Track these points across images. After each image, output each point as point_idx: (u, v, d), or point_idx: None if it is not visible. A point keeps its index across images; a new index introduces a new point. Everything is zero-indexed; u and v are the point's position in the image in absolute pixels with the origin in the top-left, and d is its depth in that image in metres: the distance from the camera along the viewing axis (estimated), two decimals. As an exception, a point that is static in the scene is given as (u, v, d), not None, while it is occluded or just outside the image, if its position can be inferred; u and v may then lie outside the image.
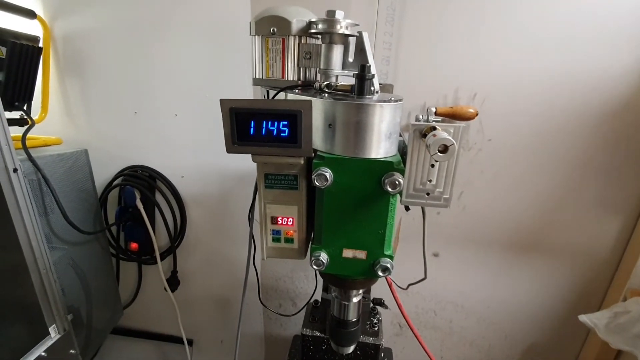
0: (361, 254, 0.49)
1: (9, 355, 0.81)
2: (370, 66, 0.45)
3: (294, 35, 0.51)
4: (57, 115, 1.04)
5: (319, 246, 0.49)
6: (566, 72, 0.76)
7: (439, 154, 0.39)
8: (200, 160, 1.02)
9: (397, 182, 0.43)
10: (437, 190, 0.49)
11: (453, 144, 0.38)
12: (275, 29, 0.52)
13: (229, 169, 1.01)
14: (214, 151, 1.00)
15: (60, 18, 0.95)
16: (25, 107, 0.91)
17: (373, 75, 0.46)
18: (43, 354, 0.80)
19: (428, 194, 0.49)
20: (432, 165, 0.48)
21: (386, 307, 0.87)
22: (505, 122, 0.82)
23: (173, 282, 1.14)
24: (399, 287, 0.84)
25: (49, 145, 0.98)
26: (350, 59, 0.56)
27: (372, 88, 0.46)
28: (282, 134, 0.43)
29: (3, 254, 0.86)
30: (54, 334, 0.83)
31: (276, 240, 0.53)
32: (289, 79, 0.54)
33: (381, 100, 0.43)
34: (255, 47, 0.55)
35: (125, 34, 0.94)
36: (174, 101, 0.97)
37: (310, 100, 0.41)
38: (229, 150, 0.45)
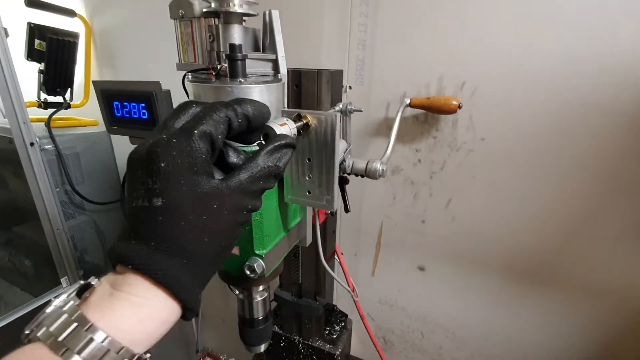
0: (235, 250, 0.46)
1: (35, 291, 0.99)
2: (241, 45, 0.41)
3: (198, 17, 0.50)
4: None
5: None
6: (586, 56, 0.58)
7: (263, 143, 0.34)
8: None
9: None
10: (318, 189, 0.43)
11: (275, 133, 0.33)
12: (183, 12, 0.51)
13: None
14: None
15: (97, 16, 1.10)
16: (67, 93, 1.09)
17: (245, 56, 0.41)
18: (53, 299, 0.95)
19: (309, 192, 0.43)
20: (309, 160, 0.42)
21: (345, 315, 0.80)
22: (502, 118, 0.67)
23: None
24: (349, 291, 0.77)
25: (84, 126, 1.15)
26: (267, 41, 0.52)
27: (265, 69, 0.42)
28: (143, 117, 0.42)
29: (26, 214, 1.04)
30: (65, 284, 0.99)
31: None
32: (199, 63, 0.53)
33: (227, 84, 0.39)
34: (175, 31, 0.55)
35: (145, 30, 1.04)
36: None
37: (158, 82, 0.39)
38: (109, 131, 0.46)
